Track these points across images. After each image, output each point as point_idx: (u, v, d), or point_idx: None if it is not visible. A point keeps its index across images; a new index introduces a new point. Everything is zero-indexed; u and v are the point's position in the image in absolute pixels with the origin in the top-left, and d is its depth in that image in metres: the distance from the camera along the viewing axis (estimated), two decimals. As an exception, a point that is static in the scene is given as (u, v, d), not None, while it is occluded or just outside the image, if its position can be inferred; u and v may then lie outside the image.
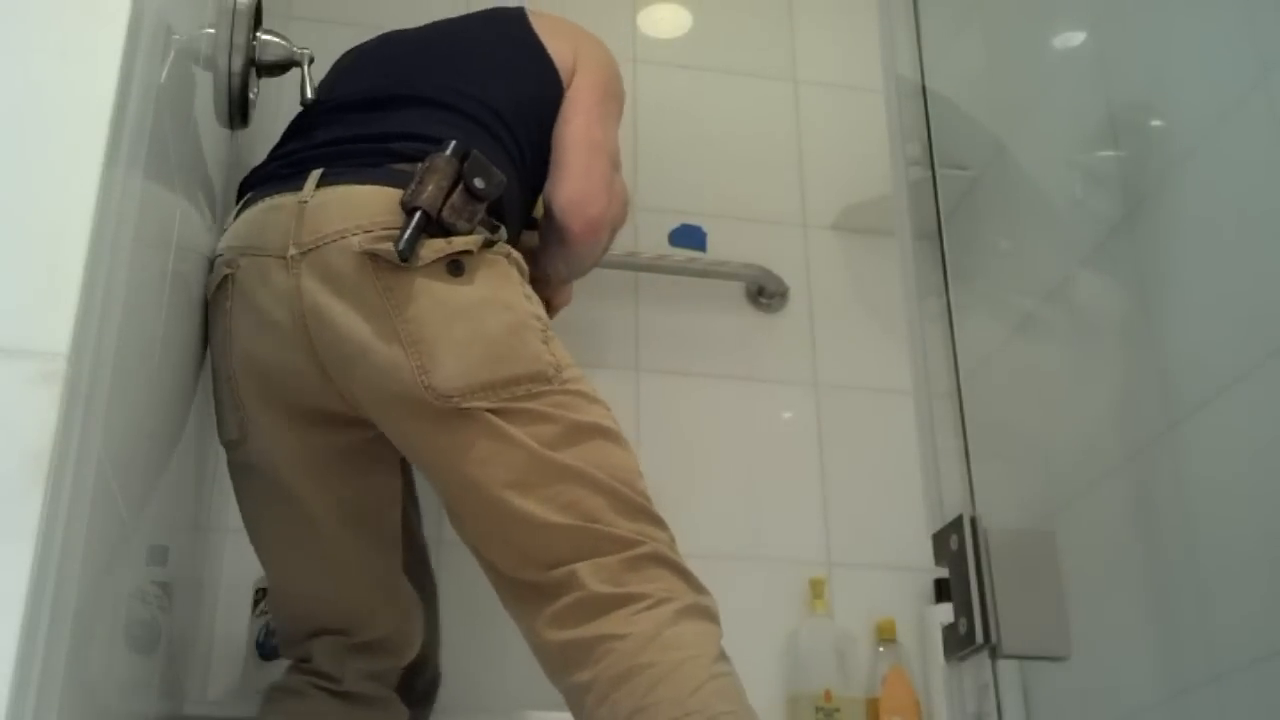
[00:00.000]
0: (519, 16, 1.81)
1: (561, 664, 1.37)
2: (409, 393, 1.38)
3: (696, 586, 1.40)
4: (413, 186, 1.42)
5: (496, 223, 1.50)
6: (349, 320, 1.41)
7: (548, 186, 1.69)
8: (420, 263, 1.40)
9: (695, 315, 2.24)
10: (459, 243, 1.42)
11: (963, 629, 1.94)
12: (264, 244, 1.47)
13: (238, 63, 1.42)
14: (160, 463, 1.30)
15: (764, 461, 2.16)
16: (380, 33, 1.85)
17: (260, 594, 1.83)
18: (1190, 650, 1.79)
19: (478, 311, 1.42)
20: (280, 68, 1.53)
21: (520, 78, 1.72)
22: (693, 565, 1.42)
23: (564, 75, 1.75)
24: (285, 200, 1.48)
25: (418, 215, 1.40)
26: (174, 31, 1.17)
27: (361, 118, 1.60)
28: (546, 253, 1.75)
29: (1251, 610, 1.68)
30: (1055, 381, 2.17)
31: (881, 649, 2.01)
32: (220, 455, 1.85)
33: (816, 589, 2.02)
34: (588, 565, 1.36)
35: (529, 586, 1.39)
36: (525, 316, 1.45)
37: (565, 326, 2.12)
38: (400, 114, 1.60)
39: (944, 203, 2.29)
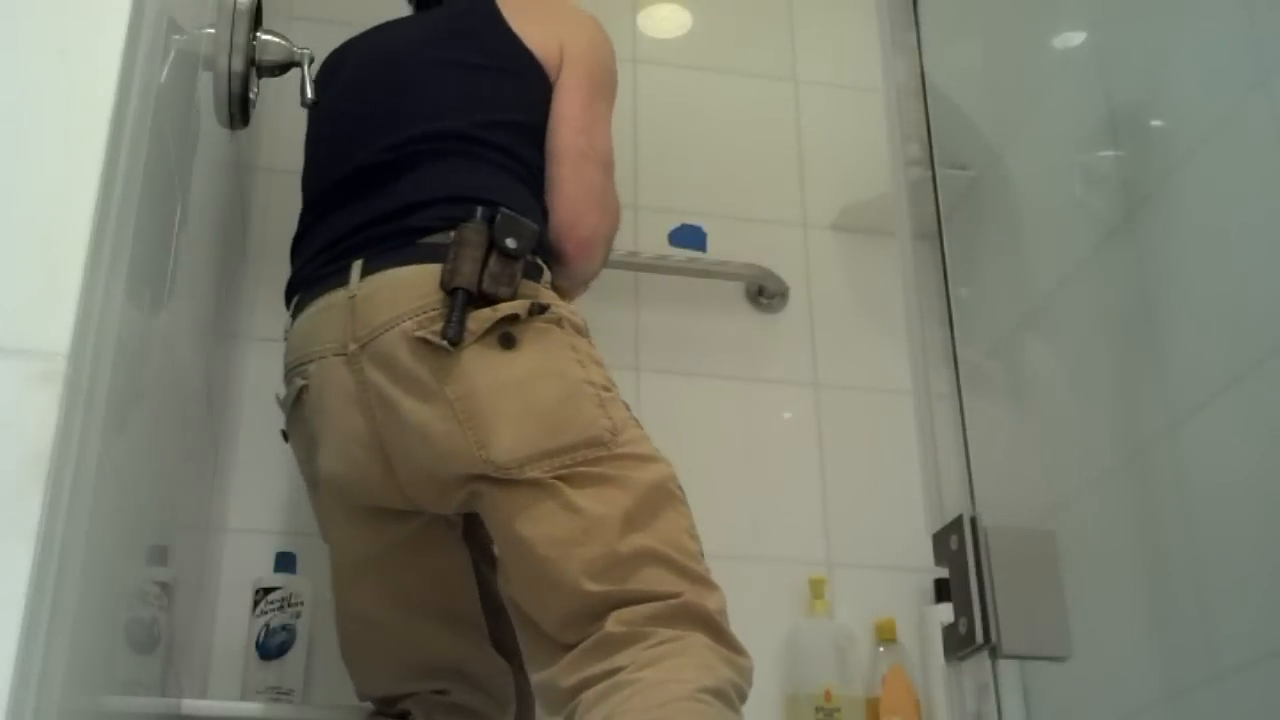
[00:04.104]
0: (489, 9, 1.72)
1: (562, 703, 1.36)
2: (471, 469, 1.42)
3: (732, 646, 1.36)
4: (449, 265, 1.46)
5: (539, 264, 1.54)
6: (409, 405, 1.45)
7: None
8: (470, 339, 1.43)
9: (695, 315, 2.24)
10: (504, 309, 1.45)
11: (963, 629, 1.94)
12: (324, 346, 1.53)
13: (238, 63, 1.41)
14: (160, 463, 1.30)
15: (764, 461, 2.16)
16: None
17: (260, 594, 1.83)
18: (1190, 650, 1.79)
19: (529, 383, 1.44)
20: (280, 68, 1.53)
21: (507, 89, 1.67)
22: (693, 565, 1.41)
23: (550, 70, 1.69)
24: (335, 298, 1.54)
25: (459, 295, 1.44)
26: (174, 31, 1.17)
27: (376, 191, 1.61)
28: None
29: (1251, 610, 1.68)
30: (1055, 381, 2.17)
31: (881, 649, 2.01)
32: (220, 454, 1.86)
33: (816, 589, 2.02)
34: (614, 615, 1.35)
35: (566, 646, 1.38)
36: (577, 383, 1.46)
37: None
38: (411, 177, 1.60)
39: (944, 203, 2.28)
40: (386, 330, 1.47)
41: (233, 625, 1.85)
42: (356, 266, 1.53)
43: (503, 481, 1.41)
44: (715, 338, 2.24)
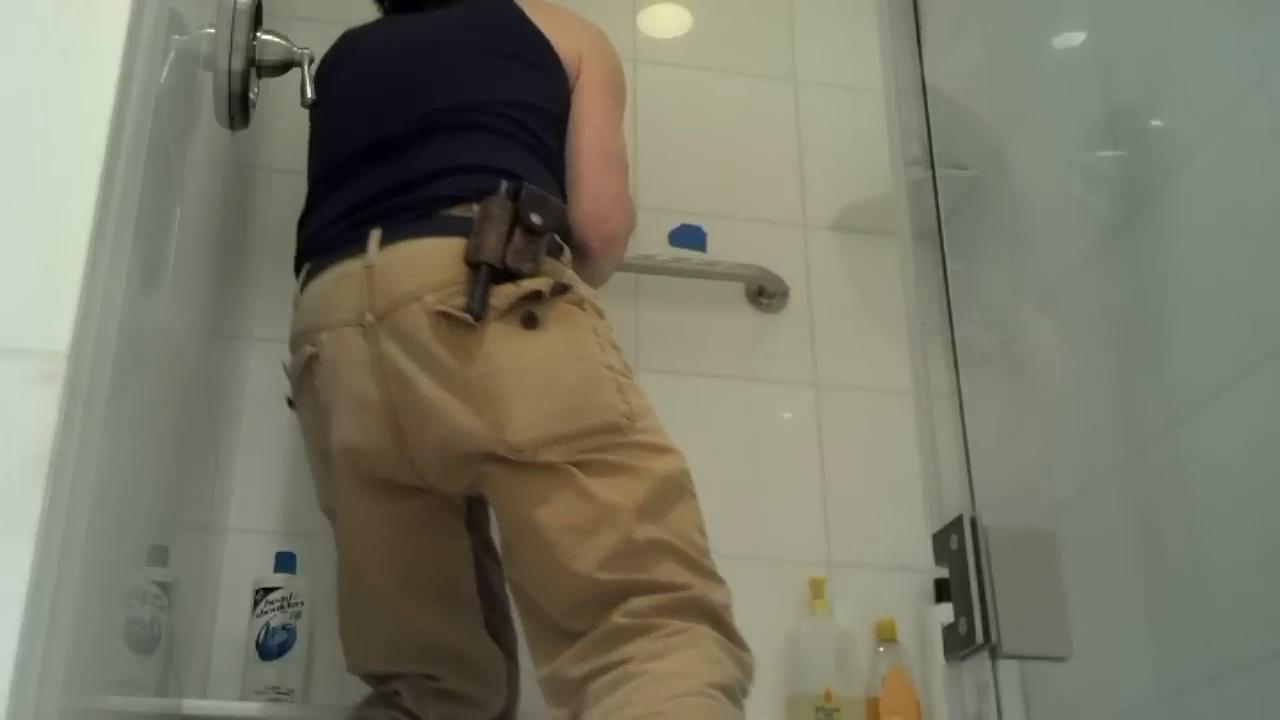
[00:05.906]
0: (512, 8, 1.76)
1: (570, 694, 1.36)
2: (485, 449, 1.41)
3: (737, 642, 1.38)
4: (474, 240, 1.45)
5: (560, 243, 1.54)
6: (427, 381, 1.44)
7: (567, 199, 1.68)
8: (493, 315, 1.43)
9: (695, 315, 2.24)
10: (528, 285, 1.45)
11: (963, 629, 1.94)
12: (340, 316, 1.51)
13: (238, 63, 1.41)
14: (160, 462, 1.30)
15: (764, 461, 2.16)
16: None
17: (260, 594, 1.83)
18: (1190, 650, 1.79)
19: (550, 364, 1.44)
20: (280, 68, 1.53)
21: (533, 78, 1.69)
22: (693, 564, 1.41)
23: (570, 69, 1.73)
24: (351, 267, 1.52)
25: (483, 270, 1.43)
26: (174, 31, 1.17)
27: (399, 159, 1.60)
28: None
29: (1251, 610, 1.68)
30: (1055, 381, 2.17)
31: (881, 649, 2.01)
32: (220, 454, 1.86)
33: (816, 589, 2.02)
34: (622, 606, 1.35)
35: (572, 635, 1.38)
36: (598, 367, 1.46)
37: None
38: (435, 146, 1.60)
39: (944, 203, 2.28)
40: (406, 303, 1.46)
41: (233, 625, 1.85)
42: (374, 235, 1.52)
43: (516, 464, 1.41)
44: (715, 338, 2.24)
